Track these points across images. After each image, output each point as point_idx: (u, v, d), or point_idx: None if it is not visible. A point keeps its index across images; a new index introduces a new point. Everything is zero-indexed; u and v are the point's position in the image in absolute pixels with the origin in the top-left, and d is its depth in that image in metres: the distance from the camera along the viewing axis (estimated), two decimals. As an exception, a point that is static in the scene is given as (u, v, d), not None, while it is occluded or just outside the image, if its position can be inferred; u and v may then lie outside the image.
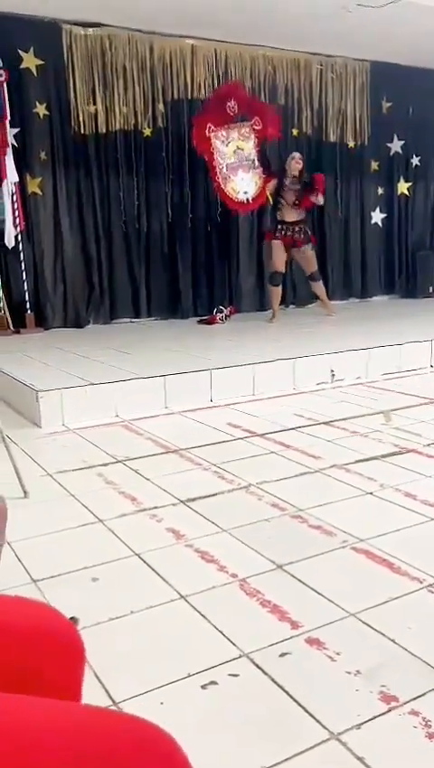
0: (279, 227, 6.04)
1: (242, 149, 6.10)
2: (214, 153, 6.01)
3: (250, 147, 6.12)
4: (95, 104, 6.10)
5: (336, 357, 4.35)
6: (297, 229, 6.00)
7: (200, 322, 6.36)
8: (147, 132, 6.39)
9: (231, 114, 6.08)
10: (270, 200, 6.12)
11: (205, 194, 6.78)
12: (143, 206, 6.54)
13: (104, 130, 6.17)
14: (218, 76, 6.54)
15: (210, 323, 6.21)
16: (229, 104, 6.06)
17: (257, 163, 6.15)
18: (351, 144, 7.48)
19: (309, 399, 3.92)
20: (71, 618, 0.82)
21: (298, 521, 2.18)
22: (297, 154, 6.06)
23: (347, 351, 4.43)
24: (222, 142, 6.03)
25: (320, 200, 6.13)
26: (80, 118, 6.05)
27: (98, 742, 0.54)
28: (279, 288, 6.19)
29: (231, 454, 2.91)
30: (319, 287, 6.37)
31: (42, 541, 2.09)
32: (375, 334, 5.13)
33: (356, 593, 1.71)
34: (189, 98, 6.46)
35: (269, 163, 6.27)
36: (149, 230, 6.61)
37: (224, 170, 6.06)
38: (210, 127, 5.98)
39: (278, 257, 6.08)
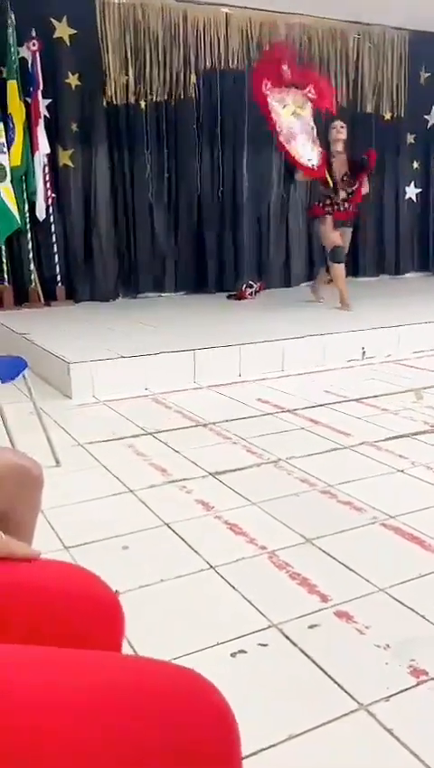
0: (328, 202, 5.33)
1: (301, 115, 5.32)
2: (271, 112, 5.24)
3: (308, 114, 5.36)
4: (127, 74, 6.02)
5: (367, 334, 4.30)
6: (346, 205, 5.34)
7: (229, 297, 6.32)
8: (180, 103, 6.30)
9: (286, 78, 5.30)
10: (330, 182, 5.33)
11: (236, 168, 6.69)
12: (173, 178, 6.48)
13: (135, 101, 6.10)
14: (252, 46, 6.41)
15: (239, 298, 6.17)
16: (283, 67, 5.30)
17: (315, 134, 5.37)
18: (387, 116, 7.30)
19: (339, 376, 3.89)
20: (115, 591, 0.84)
21: (328, 497, 2.18)
22: (338, 123, 5.33)
23: (379, 328, 4.37)
24: (279, 102, 5.29)
25: (366, 188, 5.40)
26: (112, 89, 5.99)
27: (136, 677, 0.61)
28: (343, 266, 5.36)
29: (260, 428, 2.91)
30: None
31: (73, 509, 2.12)
32: (407, 312, 5.05)
33: (386, 568, 1.71)
34: (222, 68, 6.35)
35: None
36: (179, 203, 6.56)
37: (284, 131, 5.28)
38: (267, 84, 5.22)
39: (336, 231, 5.36)
